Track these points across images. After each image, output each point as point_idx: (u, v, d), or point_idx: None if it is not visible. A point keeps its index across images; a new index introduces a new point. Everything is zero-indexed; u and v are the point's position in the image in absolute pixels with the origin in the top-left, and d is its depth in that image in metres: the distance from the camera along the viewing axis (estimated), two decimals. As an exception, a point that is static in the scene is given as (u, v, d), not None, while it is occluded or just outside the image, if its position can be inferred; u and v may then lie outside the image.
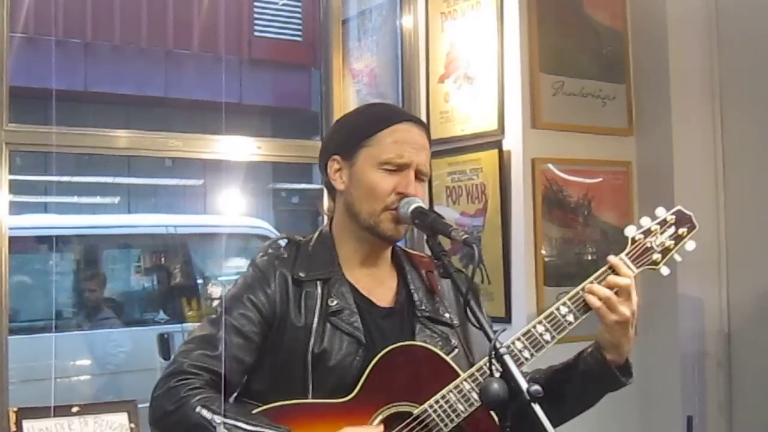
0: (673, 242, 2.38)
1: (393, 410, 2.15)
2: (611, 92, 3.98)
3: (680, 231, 2.39)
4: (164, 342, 7.19)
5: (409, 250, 2.51)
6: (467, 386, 2.15)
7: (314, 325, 2.20)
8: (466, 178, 3.92)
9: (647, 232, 2.37)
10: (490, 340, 1.91)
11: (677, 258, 2.40)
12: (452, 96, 4.02)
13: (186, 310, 7.74)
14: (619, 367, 2.31)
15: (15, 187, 3.51)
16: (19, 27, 3.62)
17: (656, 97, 3.97)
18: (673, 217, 2.40)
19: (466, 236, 2.08)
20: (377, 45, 4.48)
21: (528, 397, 1.79)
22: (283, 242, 2.37)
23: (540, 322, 2.24)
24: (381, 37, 4.48)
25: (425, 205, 2.23)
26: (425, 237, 2.20)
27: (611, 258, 2.30)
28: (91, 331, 7.34)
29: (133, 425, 3.03)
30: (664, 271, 2.39)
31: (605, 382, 2.33)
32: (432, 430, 2.13)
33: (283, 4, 11.66)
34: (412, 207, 2.20)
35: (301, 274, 2.26)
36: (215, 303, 7.93)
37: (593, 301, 2.24)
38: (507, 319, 3.71)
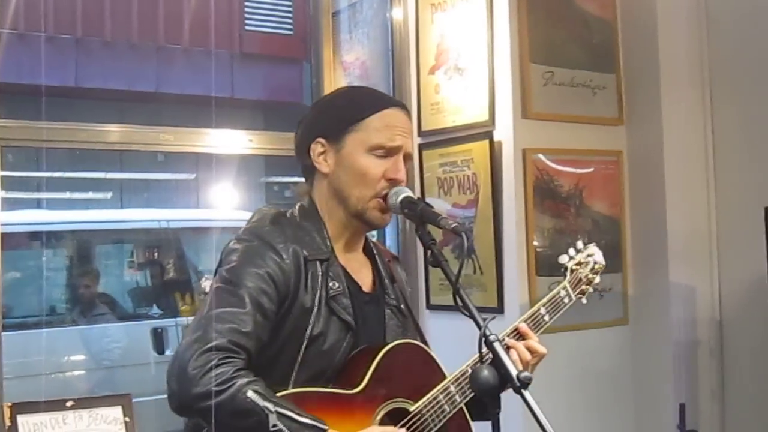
0: (593, 275, 2.64)
1: (393, 406, 2.18)
2: (601, 82, 3.99)
3: (597, 266, 2.64)
4: (158, 336, 7.20)
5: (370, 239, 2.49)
6: (453, 388, 2.22)
7: (315, 307, 2.18)
8: (458, 170, 3.93)
9: (579, 264, 2.62)
10: (479, 327, 1.91)
11: (590, 290, 2.64)
12: (443, 87, 4.02)
13: (180, 305, 7.74)
14: None
15: (7, 184, 3.52)
16: (9, 23, 3.60)
17: (646, 87, 3.98)
18: (593, 251, 2.65)
19: (455, 225, 2.06)
20: (368, 37, 4.49)
21: (518, 384, 1.80)
22: (272, 213, 2.30)
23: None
24: (371, 29, 4.49)
25: (413, 195, 2.23)
26: (415, 226, 2.20)
27: (521, 326, 2.37)
28: (86, 327, 7.34)
29: (127, 419, 3.02)
30: (584, 300, 2.62)
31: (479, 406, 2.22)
32: (424, 429, 2.18)
33: (274, -2, 11.65)
34: (402, 197, 2.19)
35: (306, 253, 2.20)
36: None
37: (513, 355, 2.29)
38: (500, 309, 3.72)
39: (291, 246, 2.18)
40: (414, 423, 2.17)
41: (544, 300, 2.48)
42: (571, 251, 2.63)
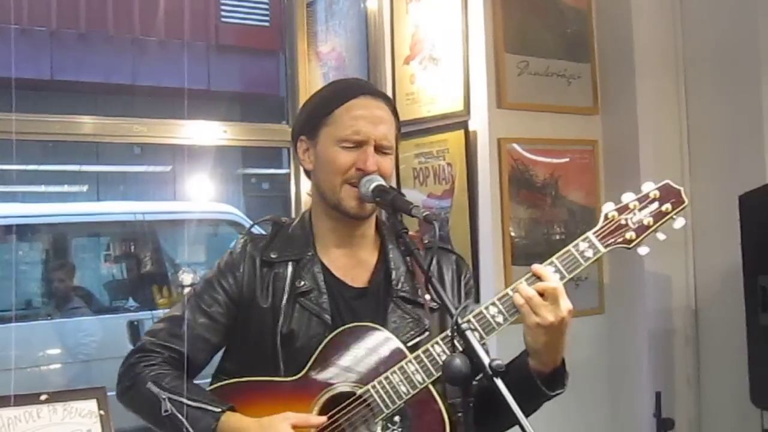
0: (652, 219, 2.22)
1: (338, 390, 2.15)
2: (576, 71, 3.99)
3: (664, 207, 2.23)
4: (134, 329, 7.18)
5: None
6: (411, 367, 2.12)
7: (283, 305, 2.23)
8: (433, 160, 3.92)
9: (623, 209, 2.22)
10: (452, 316, 1.91)
11: (660, 236, 2.23)
12: (418, 77, 4.02)
13: (157, 298, 7.71)
14: (544, 376, 2.21)
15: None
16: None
17: (621, 76, 3.99)
18: (657, 192, 2.24)
19: (426, 213, 2.05)
20: (343, 28, 4.47)
21: (490, 372, 1.79)
22: (260, 227, 2.41)
23: (468, 321, 2.12)
24: (347, 20, 4.47)
25: (386, 183, 2.22)
26: (386, 215, 2.20)
27: (534, 266, 2.16)
28: (62, 320, 7.30)
29: (102, 412, 2.99)
30: (642, 251, 2.23)
31: (527, 390, 2.12)
32: (374, 411, 2.11)
33: (249, -11, 11.60)
34: (373, 185, 2.18)
35: (273, 256, 2.29)
36: (187, 289, 7.92)
37: (517, 299, 2.12)
38: (476, 299, 3.72)
39: (249, 254, 2.31)
40: (357, 406, 2.13)
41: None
42: (626, 196, 2.26)
